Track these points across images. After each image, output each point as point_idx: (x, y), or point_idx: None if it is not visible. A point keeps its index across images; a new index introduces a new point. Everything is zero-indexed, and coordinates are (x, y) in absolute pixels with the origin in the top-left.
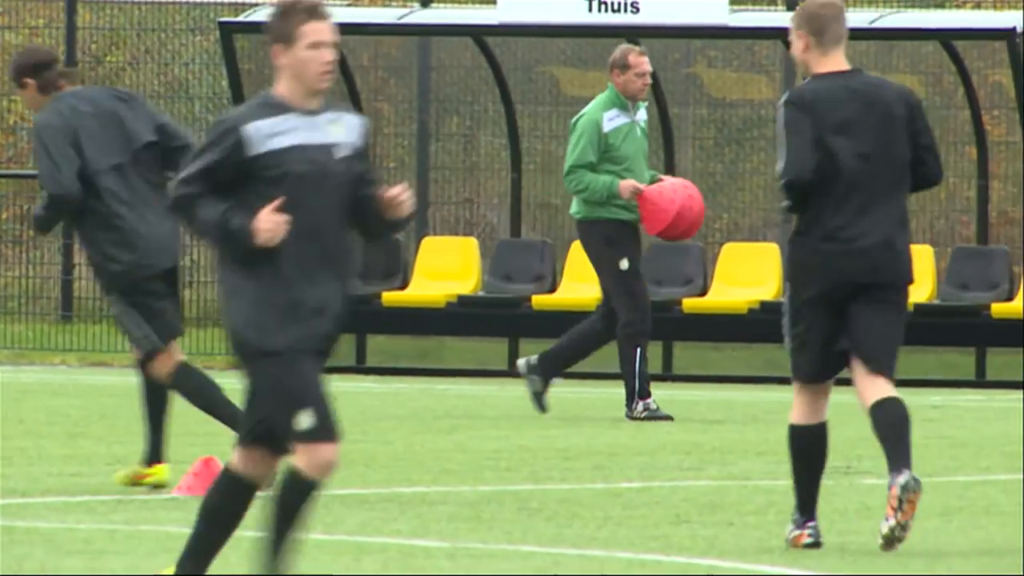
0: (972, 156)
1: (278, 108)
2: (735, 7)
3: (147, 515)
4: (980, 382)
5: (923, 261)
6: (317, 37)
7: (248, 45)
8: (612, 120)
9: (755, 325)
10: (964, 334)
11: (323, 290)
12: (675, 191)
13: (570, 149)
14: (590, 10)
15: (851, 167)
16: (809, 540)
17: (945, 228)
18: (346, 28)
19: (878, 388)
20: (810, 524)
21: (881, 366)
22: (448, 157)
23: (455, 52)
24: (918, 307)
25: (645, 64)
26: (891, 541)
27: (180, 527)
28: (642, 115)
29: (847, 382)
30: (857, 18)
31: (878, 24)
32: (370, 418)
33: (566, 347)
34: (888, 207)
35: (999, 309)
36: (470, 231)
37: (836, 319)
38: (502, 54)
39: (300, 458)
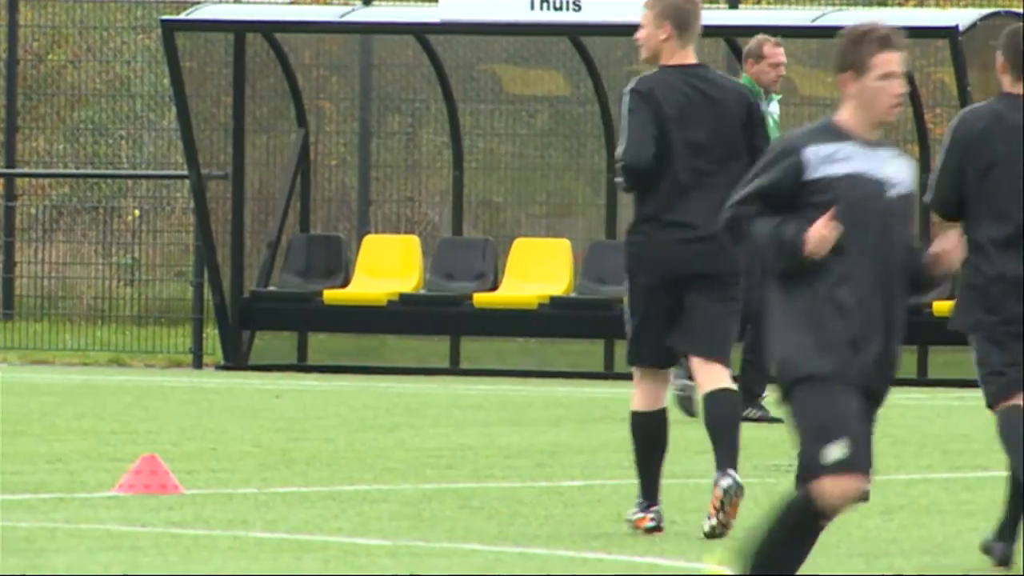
0: (915, 154)
1: (839, 135)
2: None
3: (88, 513)
4: (922, 380)
5: None
6: (888, 68)
7: (190, 43)
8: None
9: None
10: (907, 333)
11: (873, 323)
12: None
13: None
14: (532, 8)
15: (688, 159)
16: (651, 524)
17: None
18: (287, 26)
19: (714, 376)
20: (653, 508)
21: (716, 353)
22: (390, 155)
23: (397, 50)
24: None
25: (780, 55)
26: (712, 538)
27: (120, 525)
28: (775, 107)
29: None
30: (799, 16)
31: (820, 22)
32: (311, 416)
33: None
34: (724, 198)
35: (941, 307)
36: (412, 229)
37: (673, 308)
38: (444, 52)
39: (818, 488)
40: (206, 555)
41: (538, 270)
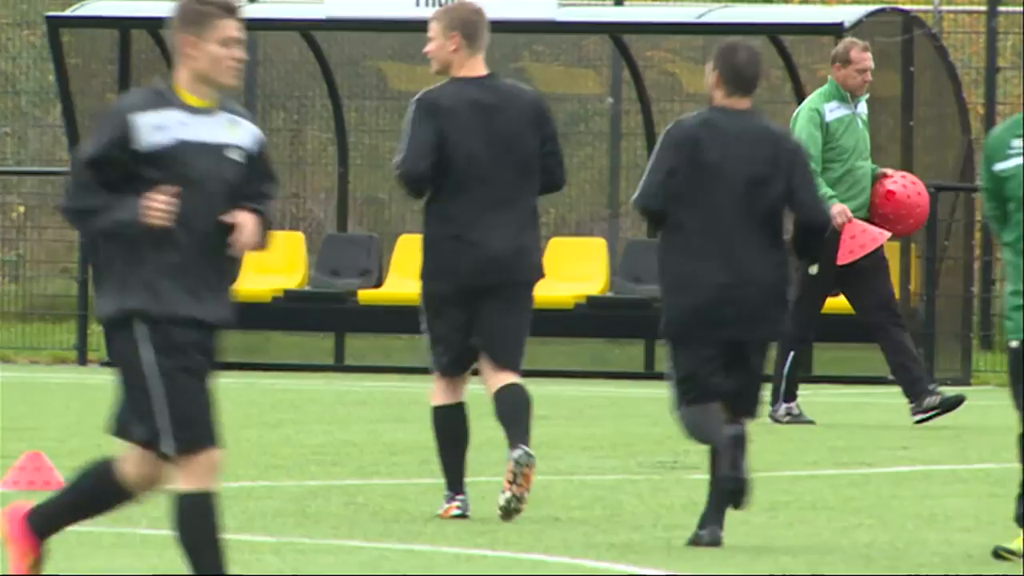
0: None
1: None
2: (563, 2)
3: None
4: (807, 377)
5: None
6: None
7: (75, 40)
8: (833, 111)
9: (582, 320)
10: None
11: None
12: (914, 186)
13: None
14: (417, 5)
15: (479, 169)
16: (457, 512)
17: None
18: None
19: (502, 378)
20: (459, 497)
21: (509, 363)
22: (275, 151)
23: (282, 47)
24: None
25: (867, 60)
26: (508, 512)
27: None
28: (863, 108)
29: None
30: (685, 13)
31: (706, 19)
32: None
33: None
34: (515, 209)
35: (828, 304)
36: (296, 225)
37: (468, 315)
38: (329, 49)
39: None
40: (90, 552)
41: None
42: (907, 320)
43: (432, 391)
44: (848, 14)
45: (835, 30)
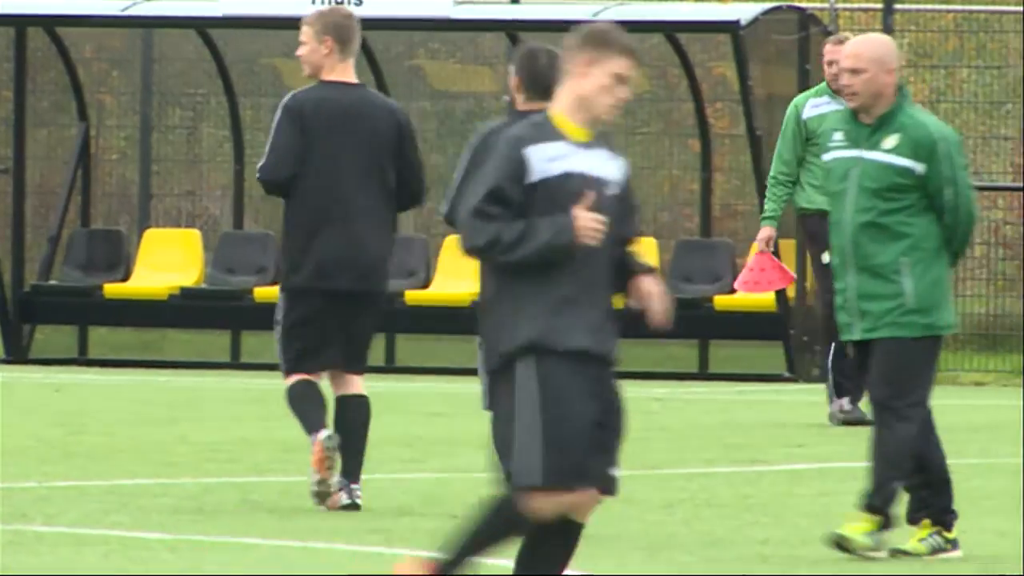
0: (696, 149)
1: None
2: (459, 0)
3: None
4: (703, 374)
5: (647, 254)
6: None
7: None
8: (816, 107)
9: (475, 317)
10: (687, 326)
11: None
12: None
13: None
14: (313, 2)
15: (335, 176)
16: (326, 436)
17: (669, 221)
18: (69, 20)
19: (349, 385)
20: (323, 430)
21: (356, 367)
22: (170, 149)
23: (178, 44)
24: None
25: (832, 53)
26: (321, 496)
27: None
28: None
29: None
30: (581, 11)
31: (602, 16)
32: (92, 410)
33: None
34: (371, 218)
35: (722, 302)
36: (192, 223)
37: (320, 317)
38: (225, 46)
39: None
40: None
41: None
42: (803, 318)
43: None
44: (744, 12)
45: (731, 28)
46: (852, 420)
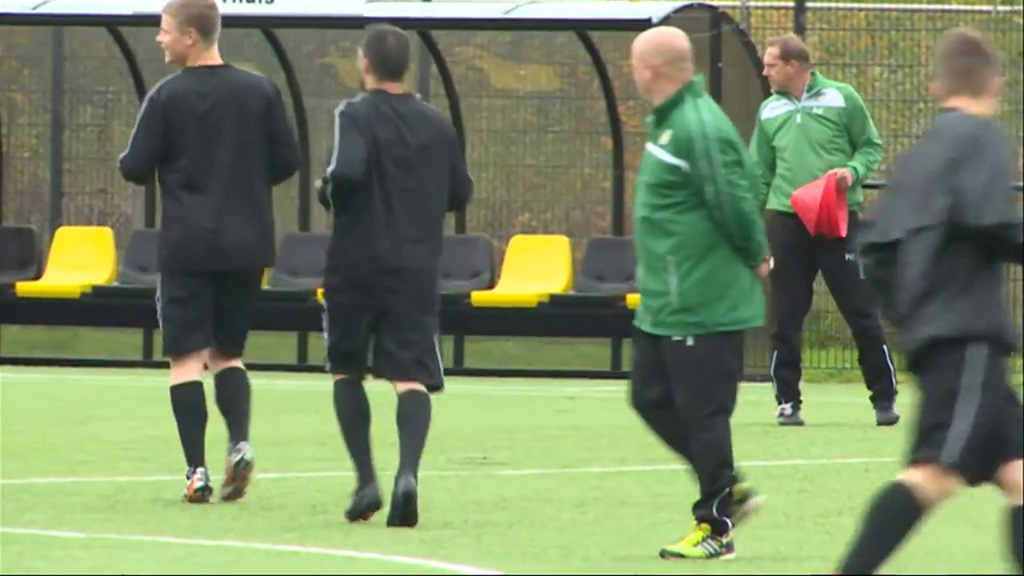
0: (607, 147)
1: None
2: None
3: None
4: (615, 373)
5: (559, 252)
6: None
7: None
8: (774, 110)
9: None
10: (599, 325)
11: None
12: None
13: None
14: (224, 0)
15: (211, 156)
16: (200, 484)
17: (581, 219)
18: None
19: (225, 361)
20: (199, 470)
21: (234, 347)
22: (82, 147)
23: (89, 42)
24: (553, 298)
25: (770, 58)
26: (228, 497)
27: None
28: (828, 100)
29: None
30: (492, 8)
31: (513, 14)
32: (4, 409)
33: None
34: (247, 196)
35: (635, 300)
36: (104, 221)
37: (202, 298)
38: (136, 44)
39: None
40: None
41: None
42: None
43: (172, 374)
44: (656, 10)
45: (642, 26)
46: (791, 423)
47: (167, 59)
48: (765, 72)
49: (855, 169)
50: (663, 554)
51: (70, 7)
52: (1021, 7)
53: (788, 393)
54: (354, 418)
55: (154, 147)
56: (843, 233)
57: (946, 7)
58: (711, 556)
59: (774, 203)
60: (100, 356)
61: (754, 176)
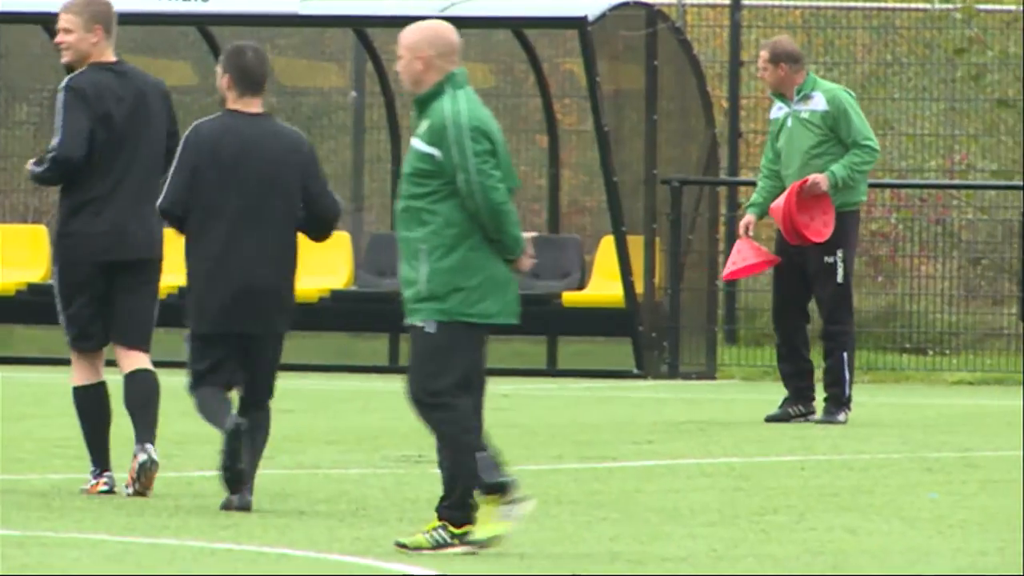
0: (543, 145)
1: None
2: None
3: None
4: (551, 371)
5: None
6: None
7: None
8: (774, 113)
9: (326, 313)
10: (535, 323)
11: None
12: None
13: None
14: None
15: (116, 152)
16: (105, 488)
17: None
18: None
19: (133, 360)
20: (106, 473)
21: (138, 341)
22: (18, 145)
23: (24, 39)
24: None
25: (761, 61)
26: (134, 495)
27: None
28: (814, 104)
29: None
30: (428, 6)
31: (449, 12)
32: None
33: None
34: (143, 187)
35: (570, 298)
36: (40, 219)
37: (100, 295)
38: None
39: None
40: None
41: (170, 260)
42: (652, 314)
43: (73, 373)
44: (592, 8)
45: (578, 24)
46: (777, 418)
47: (66, 58)
48: (760, 75)
49: (833, 173)
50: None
51: (5, 4)
52: (958, 4)
53: (787, 389)
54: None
55: (85, 128)
56: (819, 238)
57: (882, 5)
58: (437, 547)
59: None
60: (35, 354)
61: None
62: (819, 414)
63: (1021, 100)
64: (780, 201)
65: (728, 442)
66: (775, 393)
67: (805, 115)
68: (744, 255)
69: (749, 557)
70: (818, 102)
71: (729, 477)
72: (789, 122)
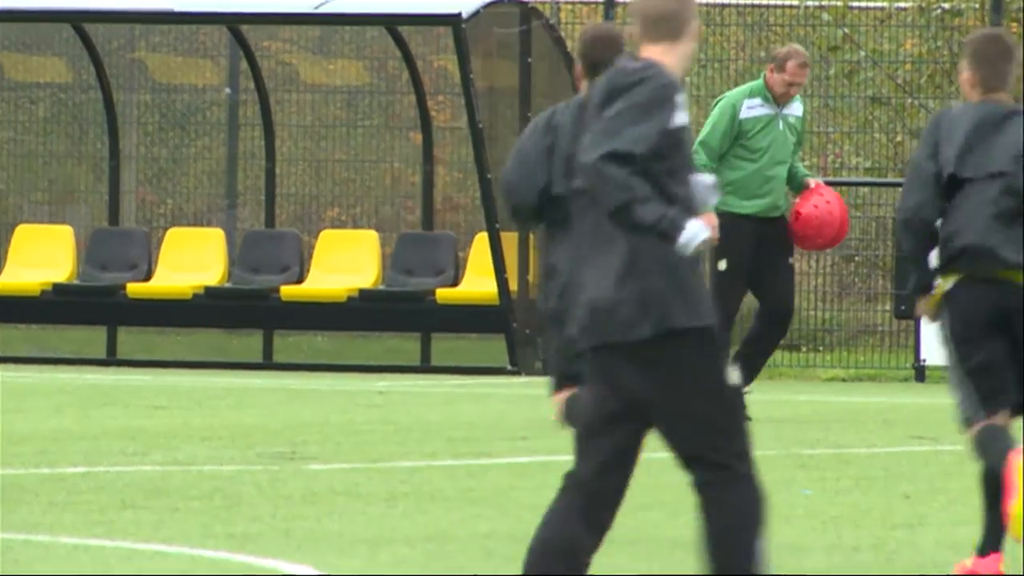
0: (417, 142)
1: None
2: None
3: None
4: (425, 367)
5: (368, 246)
6: None
7: None
8: (752, 109)
9: (200, 310)
10: (409, 320)
11: None
12: (828, 205)
13: (704, 127)
14: None
15: None
16: None
17: (391, 213)
18: None
19: None
20: None
21: None
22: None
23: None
24: (363, 293)
25: (800, 78)
26: None
27: None
28: (794, 109)
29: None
30: (302, 3)
31: (323, 9)
32: None
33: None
34: None
35: (444, 295)
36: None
37: None
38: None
39: None
40: None
41: (41, 256)
42: (525, 311)
43: None
44: (465, 5)
45: (452, 21)
46: None
47: None
48: (790, 92)
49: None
50: None
51: None
52: (828, 3)
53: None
54: None
55: None
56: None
57: (756, 2)
58: None
59: (730, 204)
60: (62, 354)
61: None
62: None
63: (894, 97)
64: (833, 208)
65: None
66: None
67: (792, 120)
68: (830, 202)
69: (618, 555)
70: (797, 107)
71: None
72: (780, 124)
